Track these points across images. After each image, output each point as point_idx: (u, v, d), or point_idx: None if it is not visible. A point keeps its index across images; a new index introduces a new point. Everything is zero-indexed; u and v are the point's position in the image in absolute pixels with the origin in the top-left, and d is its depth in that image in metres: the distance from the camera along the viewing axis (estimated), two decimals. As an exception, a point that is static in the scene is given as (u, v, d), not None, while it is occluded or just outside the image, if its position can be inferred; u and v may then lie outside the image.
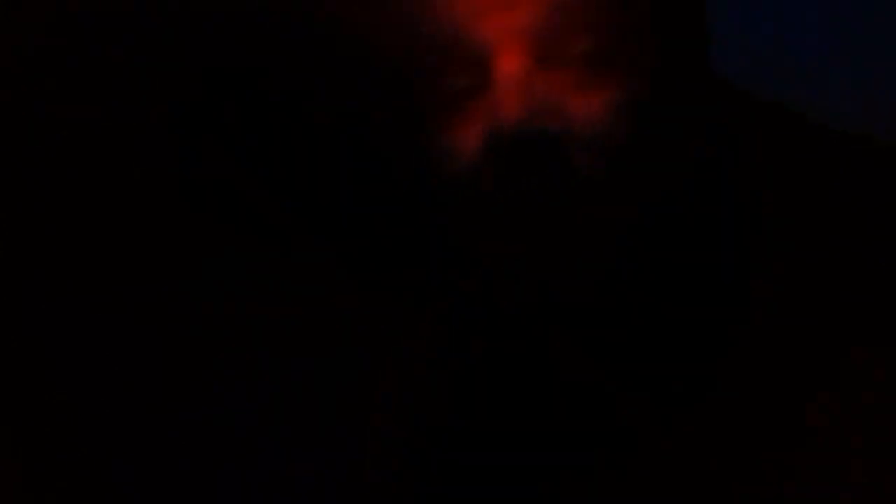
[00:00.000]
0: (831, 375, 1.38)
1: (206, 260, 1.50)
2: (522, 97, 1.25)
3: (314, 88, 1.42)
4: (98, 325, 1.61)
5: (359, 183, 1.44)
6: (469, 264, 1.34)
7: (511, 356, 1.36)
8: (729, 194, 1.41)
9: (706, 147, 1.38)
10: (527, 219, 1.30)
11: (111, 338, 1.61)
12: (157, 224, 1.52)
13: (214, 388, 1.60)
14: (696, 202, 1.38)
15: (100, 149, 1.49)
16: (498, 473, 1.34)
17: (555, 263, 1.33)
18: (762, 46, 1.53)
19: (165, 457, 1.59)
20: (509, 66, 1.25)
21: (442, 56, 1.30)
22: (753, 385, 1.38)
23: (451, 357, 1.39)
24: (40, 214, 1.56)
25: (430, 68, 1.32)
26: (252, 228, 1.46)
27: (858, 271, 1.43)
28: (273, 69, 1.43)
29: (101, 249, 1.60)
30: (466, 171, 1.28)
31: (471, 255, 1.34)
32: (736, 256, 1.38)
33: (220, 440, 1.61)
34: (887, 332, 1.40)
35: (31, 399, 1.62)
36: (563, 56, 1.27)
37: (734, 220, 1.41)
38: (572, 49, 1.27)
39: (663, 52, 1.33)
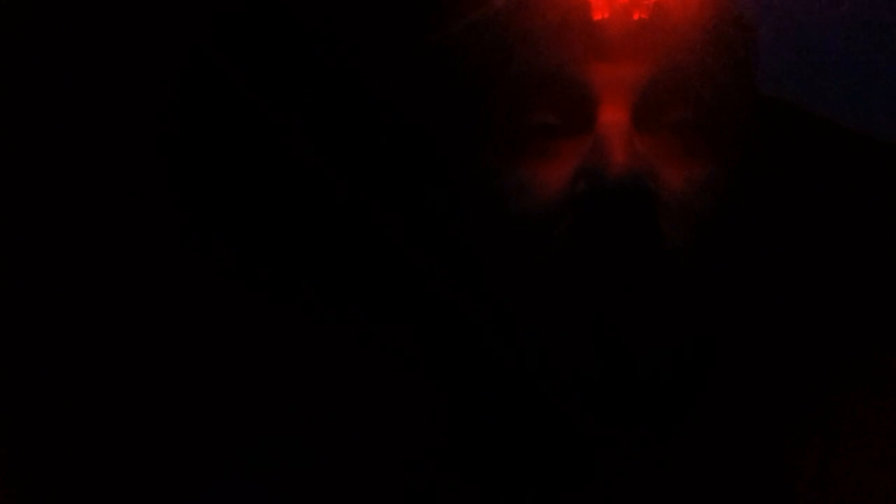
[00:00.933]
0: (828, 381, 1.36)
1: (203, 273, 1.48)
2: (624, 147, 1.19)
3: (393, 104, 1.39)
4: (95, 326, 1.60)
5: (425, 209, 1.41)
6: (523, 315, 1.29)
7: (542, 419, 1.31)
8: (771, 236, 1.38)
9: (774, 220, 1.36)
10: (597, 275, 1.20)
11: (108, 340, 1.60)
12: (152, 232, 1.51)
13: (207, 398, 1.59)
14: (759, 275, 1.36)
15: (99, 153, 1.48)
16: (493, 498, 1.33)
17: (618, 330, 1.27)
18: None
19: (162, 460, 1.57)
20: (611, 116, 1.21)
21: (537, 90, 1.25)
22: (747, 397, 1.35)
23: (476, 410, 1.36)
24: (40, 216, 1.56)
25: (523, 100, 1.27)
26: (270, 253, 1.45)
27: (858, 274, 1.40)
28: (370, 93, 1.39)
29: (96, 250, 1.59)
30: (542, 213, 1.23)
31: (526, 306, 1.30)
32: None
33: (214, 451, 1.59)
34: (885, 336, 1.37)
35: (32, 401, 1.61)
36: (660, 121, 1.24)
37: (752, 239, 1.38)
38: (670, 116, 1.24)
39: (752, 126, 1.33)
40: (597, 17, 1.28)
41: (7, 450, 1.55)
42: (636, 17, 1.28)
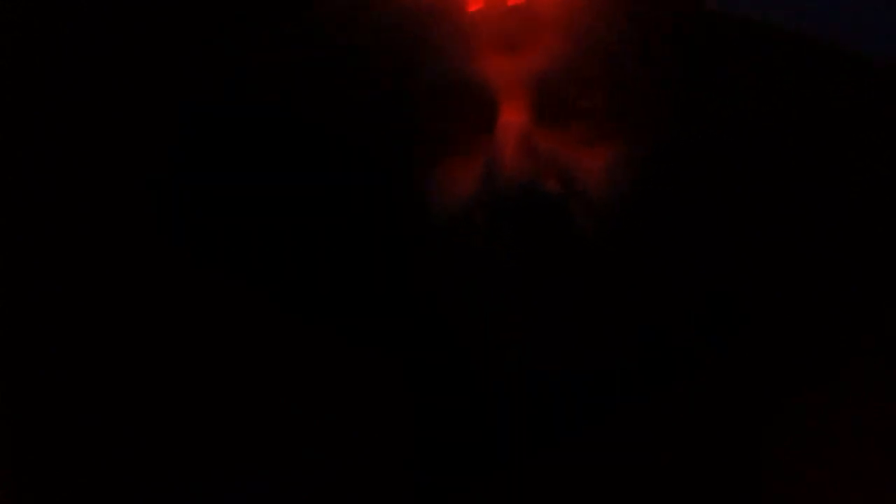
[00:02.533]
0: (825, 374, 1.35)
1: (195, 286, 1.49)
2: (522, 150, 1.22)
3: (317, 120, 1.39)
4: (94, 331, 1.61)
5: (349, 214, 1.41)
6: (452, 314, 1.30)
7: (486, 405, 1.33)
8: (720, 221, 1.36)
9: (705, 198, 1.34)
10: (516, 276, 1.25)
11: (107, 345, 1.61)
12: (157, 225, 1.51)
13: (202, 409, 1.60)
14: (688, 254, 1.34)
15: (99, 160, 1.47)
16: None
17: (541, 323, 1.29)
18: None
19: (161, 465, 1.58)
20: (511, 115, 1.23)
21: (444, 94, 1.26)
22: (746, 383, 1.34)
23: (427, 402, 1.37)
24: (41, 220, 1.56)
25: (431, 105, 1.29)
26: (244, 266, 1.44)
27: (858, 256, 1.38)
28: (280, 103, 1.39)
29: (103, 250, 1.60)
30: (459, 217, 1.25)
31: (455, 305, 1.30)
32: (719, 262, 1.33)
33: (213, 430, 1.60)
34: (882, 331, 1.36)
35: (32, 402, 1.62)
36: (566, 110, 1.25)
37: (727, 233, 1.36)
38: (576, 104, 1.25)
39: (666, 109, 1.30)
40: (471, 8, 1.26)
41: (7, 450, 1.51)
42: (510, 2, 1.26)
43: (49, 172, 1.56)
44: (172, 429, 1.50)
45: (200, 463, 1.52)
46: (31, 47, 1.49)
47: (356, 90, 1.39)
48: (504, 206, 1.22)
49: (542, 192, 1.22)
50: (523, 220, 1.22)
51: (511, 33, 1.26)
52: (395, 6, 1.35)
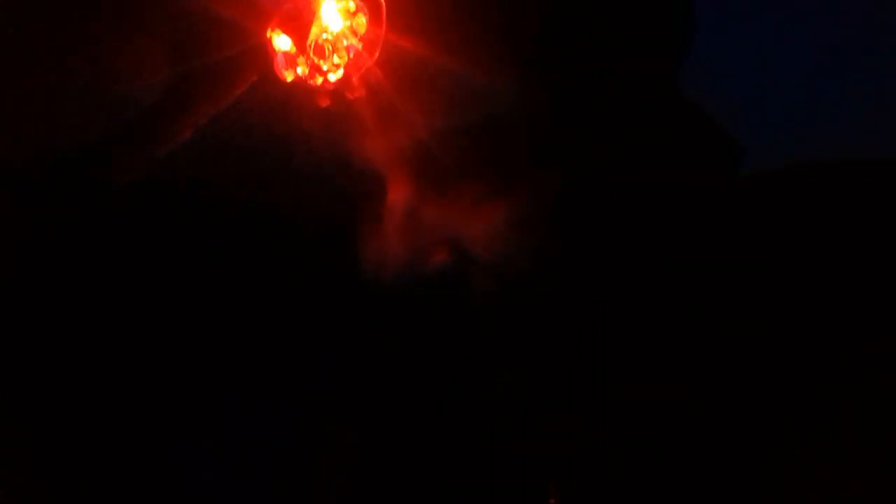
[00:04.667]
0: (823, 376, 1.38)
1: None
2: (409, 230, 1.25)
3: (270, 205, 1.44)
4: (96, 332, 1.64)
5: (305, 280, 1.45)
6: (386, 375, 1.34)
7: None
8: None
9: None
10: (429, 338, 1.28)
11: (113, 337, 1.63)
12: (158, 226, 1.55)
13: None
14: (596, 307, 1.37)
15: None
16: None
17: (459, 379, 1.32)
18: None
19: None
20: (395, 195, 1.27)
21: (345, 177, 1.32)
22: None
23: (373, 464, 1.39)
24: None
25: (340, 186, 1.33)
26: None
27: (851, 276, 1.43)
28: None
29: (103, 250, 1.64)
30: (382, 284, 1.31)
31: (387, 366, 1.34)
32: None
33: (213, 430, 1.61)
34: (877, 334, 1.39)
35: (33, 403, 1.62)
36: (445, 182, 1.28)
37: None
38: (452, 174, 1.28)
39: (562, 169, 1.33)
40: (322, 105, 1.36)
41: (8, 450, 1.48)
42: (350, 97, 1.37)
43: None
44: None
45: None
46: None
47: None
48: (396, 281, 1.27)
49: (430, 264, 1.24)
50: (419, 289, 1.27)
51: (364, 120, 1.30)
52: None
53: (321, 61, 1.97)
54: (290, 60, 2.33)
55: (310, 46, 2.03)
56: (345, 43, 1.75)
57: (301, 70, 2.25)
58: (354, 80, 1.81)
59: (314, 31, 2.25)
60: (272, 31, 2.46)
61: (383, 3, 2.14)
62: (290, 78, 2.12)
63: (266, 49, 2.64)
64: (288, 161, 1.74)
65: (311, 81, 2.10)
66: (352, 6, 2.03)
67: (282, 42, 2.28)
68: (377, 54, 1.34)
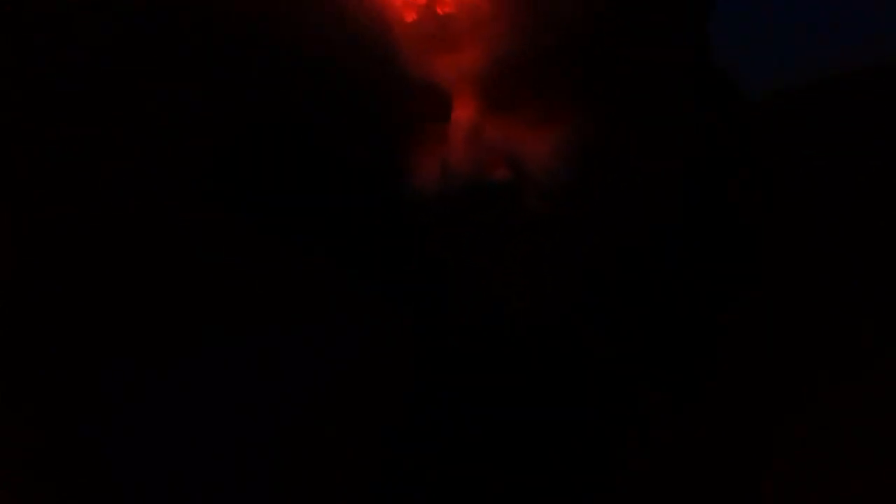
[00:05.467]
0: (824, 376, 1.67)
1: (211, 251, 1.71)
2: (471, 145, 1.59)
3: (303, 114, 1.72)
4: (101, 321, 1.79)
5: (341, 194, 1.72)
6: (435, 278, 1.62)
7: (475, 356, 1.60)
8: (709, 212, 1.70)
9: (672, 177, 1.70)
10: (479, 251, 1.59)
11: (112, 337, 1.78)
12: (163, 214, 1.74)
13: (208, 377, 1.76)
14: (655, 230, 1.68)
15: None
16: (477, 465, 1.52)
17: (506, 290, 1.61)
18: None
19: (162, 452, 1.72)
20: (460, 111, 1.61)
21: (400, 91, 1.66)
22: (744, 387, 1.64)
23: (427, 352, 1.61)
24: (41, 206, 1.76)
25: (391, 101, 1.66)
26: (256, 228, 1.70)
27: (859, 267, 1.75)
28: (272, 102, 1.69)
29: (103, 250, 1.80)
30: (426, 198, 1.60)
31: (435, 271, 1.63)
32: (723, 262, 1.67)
33: (212, 430, 1.75)
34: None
35: (33, 397, 1.74)
36: (512, 101, 1.62)
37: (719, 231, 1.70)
38: (521, 94, 1.62)
39: (613, 94, 1.67)
40: (408, 19, 1.66)
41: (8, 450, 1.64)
42: (441, 13, 1.65)
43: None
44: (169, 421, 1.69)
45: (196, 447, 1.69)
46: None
47: (322, 95, 1.70)
48: (458, 194, 1.55)
49: (490, 184, 1.53)
50: (475, 205, 1.55)
51: (459, 36, 1.58)
52: (343, 26, 1.72)
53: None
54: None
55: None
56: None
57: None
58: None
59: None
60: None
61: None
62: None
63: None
64: (362, 74, 1.82)
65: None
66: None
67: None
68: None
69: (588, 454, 2.42)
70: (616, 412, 2.33)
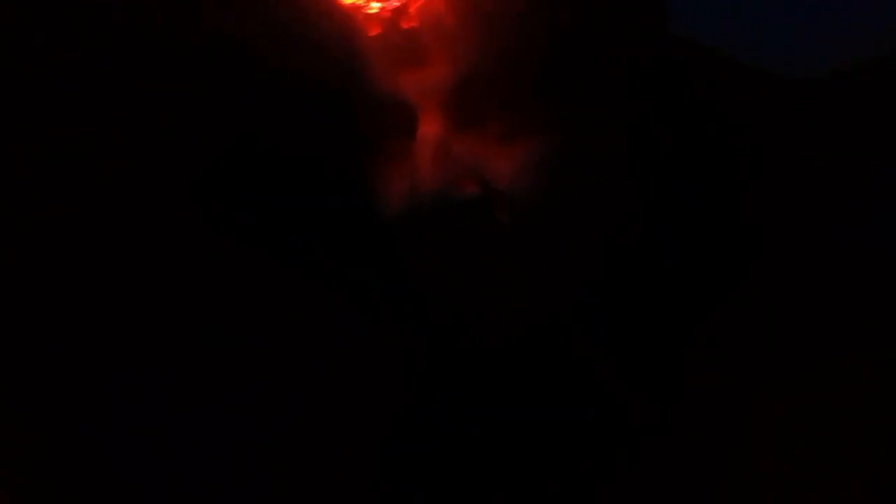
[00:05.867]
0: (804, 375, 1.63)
1: (204, 267, 1.66)
2: (439, 162, 1.55)
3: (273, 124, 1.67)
4: (99, 324, 1.75)
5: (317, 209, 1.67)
6: (409, 288, 1.58)
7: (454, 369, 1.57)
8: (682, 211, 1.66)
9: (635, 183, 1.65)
10: (450, 264, 1.54)
11: (112, 337, 1.74)
12: (158, 226, 1.70)
13: (207, 383, 1.72)
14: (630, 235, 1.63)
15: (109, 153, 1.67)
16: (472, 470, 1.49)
17: (478, 300, 1.57)
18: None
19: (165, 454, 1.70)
20: (428, 128, 1.57)
21: (366, 106, 1.61)
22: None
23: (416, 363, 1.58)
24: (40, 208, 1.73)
25: (361, 115, 1.61)
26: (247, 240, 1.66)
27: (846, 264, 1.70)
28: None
29: (103, 250, 1.76)
30: (395, 214, 1.56)
31: (408, 281, 1.58)
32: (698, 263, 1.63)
33: (212, 430, 1.72)
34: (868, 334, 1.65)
35: (34, 397, 1.73)
36: (478, 116, 1.58)
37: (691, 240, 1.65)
38: (487, 109, 1.58)
39: (582, 107, 1.61)
40: (372, 33, 1.61)
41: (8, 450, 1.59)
42: (405, 27, 1.62)
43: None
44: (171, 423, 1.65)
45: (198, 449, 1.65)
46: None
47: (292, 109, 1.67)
48: (425, 210, 1.51)
49: (459, 199, 1.50)
50: (445, 221, 1.51)
51: (413, 52, 1.54)
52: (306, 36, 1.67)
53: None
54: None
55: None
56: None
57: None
58: (412, 9, 1.86)
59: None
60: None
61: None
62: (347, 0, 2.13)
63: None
64: (327, 86, 1.78)
65: (368, 7, 2.13)
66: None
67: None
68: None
69: (574, 453, 2.38)
70: (593, 414, 2.28)
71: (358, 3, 2.85)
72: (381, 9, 2.77)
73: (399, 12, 2.75)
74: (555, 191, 2.04)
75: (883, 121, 3.22)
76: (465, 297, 2.06)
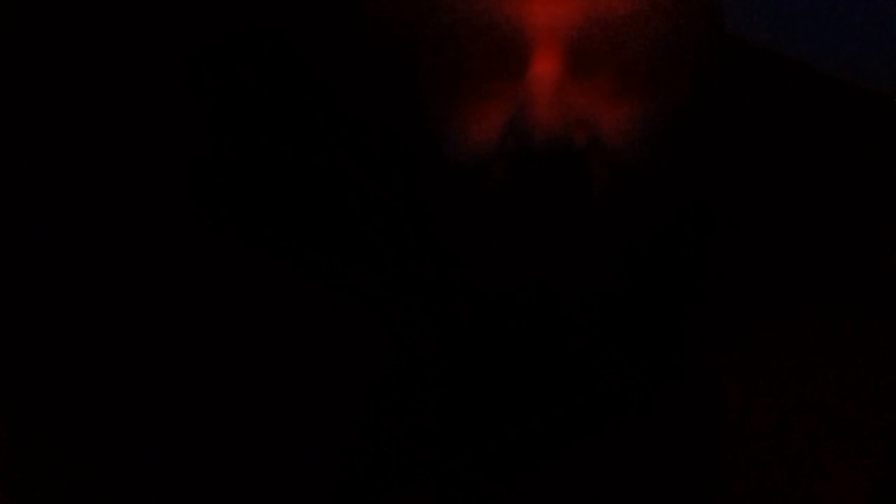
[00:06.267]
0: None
1: (204, 252, 1.53)
2: (551, 102, 1.23)
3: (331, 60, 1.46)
4: (96, 323, 1.64)
5: (364, 164, 1.47)
6: (464, 258, 1.39)
7: (499, 347, 1.42)
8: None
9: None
10: (529, 222, 1.26)
11: (109, 336, 1.64)
12: (157, 222, 1.56)
13: (210, 383, 1.63)
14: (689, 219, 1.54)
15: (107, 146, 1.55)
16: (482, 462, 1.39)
17: (545, 265, 1.39)
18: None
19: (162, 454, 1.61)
20: (543, 66, 1.23)
21: (472, 37, 1.25)
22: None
23: (444, 349, 1.42)
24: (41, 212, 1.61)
25: (454, 47, 1.36)
26: (251, 223, 1.51)
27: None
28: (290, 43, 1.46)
29: (100, 247, 1.63)
30: (478, 163, 1.24)
31: (466, 250, 1.39)
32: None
33: (214, 435, 1.63)
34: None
35: (32, 398, 1.62)
36: (597, 64, 1.25)
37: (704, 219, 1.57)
38: (608, 58, 1.25)
39: (695, 69, 1.48)
40: None
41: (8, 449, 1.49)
42: None
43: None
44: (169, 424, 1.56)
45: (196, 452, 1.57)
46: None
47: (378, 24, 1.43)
48: (527, 152, 1.23)
49: (566, 142, 1.25)
50: (542, 170, 1.25)
51: None
52: None
53: None
54: None
55: None
56: None
57: None
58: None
59: None
60: None
61: None
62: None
63: None
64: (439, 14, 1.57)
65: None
66: None
67: None
68: None
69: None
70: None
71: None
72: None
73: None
74: (651, 161, 1.97)
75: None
76: (531, 259, 1.90)
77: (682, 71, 1.20)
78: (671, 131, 1.24)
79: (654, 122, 1.27)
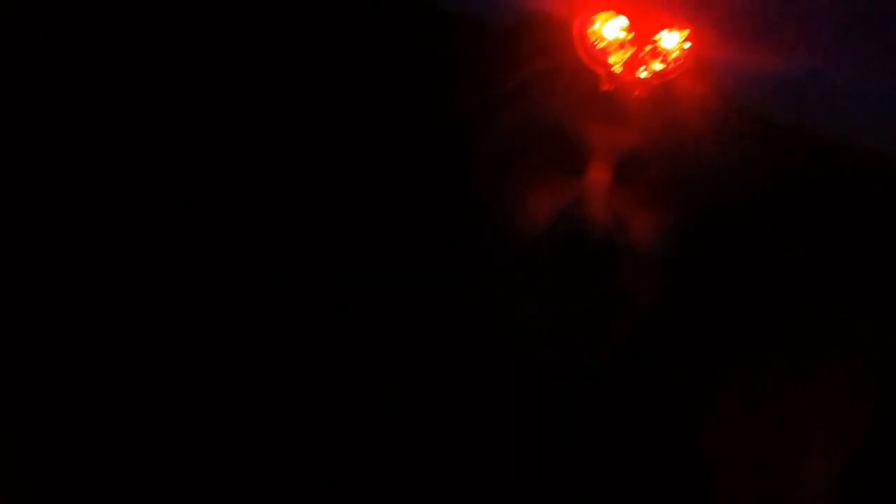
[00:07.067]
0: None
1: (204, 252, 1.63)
2: (599, 203, 1.43)
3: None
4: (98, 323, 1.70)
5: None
6: (509, 321, 1.58)
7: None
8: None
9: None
10: (567, 296, 1.45)
11: (111, 337, 1.70)
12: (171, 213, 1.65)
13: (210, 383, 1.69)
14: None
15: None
16: None
17: (567, 330, 1.58)
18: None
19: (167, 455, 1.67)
20: (597, 173, 1.43)
21: (545, 133, 1.47)
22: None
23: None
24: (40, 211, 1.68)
25: (532, 133, 1.49)
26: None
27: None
28: None
29: (100, 247, 1.70)
30: (531, 242, 1.45)
31: (511, 314, 1.57)
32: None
33: (213, 430, 1.69)
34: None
35: (31, 399, 1.68)
36: (637, 177, 1.47)
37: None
38: (646, 174, 1.47)
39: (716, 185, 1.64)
40: (603, 88, 1.46)
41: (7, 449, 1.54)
42: (636, 94, 1.47)
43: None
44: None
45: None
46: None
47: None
48: (574, 238, 1.43)
49: (606, 236, 1.44)
50: (586, 252, 1.44)
51: (626, 115, 1.48)
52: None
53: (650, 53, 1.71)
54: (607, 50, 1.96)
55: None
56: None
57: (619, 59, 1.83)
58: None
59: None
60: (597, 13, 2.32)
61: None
62: (616, 67, 1.77)
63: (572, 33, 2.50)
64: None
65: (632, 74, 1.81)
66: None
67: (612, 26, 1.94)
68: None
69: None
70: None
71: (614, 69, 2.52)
72: (650, 75, 2.35)
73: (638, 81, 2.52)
74: (672, 258, 1.92)
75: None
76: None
77: (715, 191, 1.38)
78: (697, 237, 1.46)
79: (680, 229, 1.45)
